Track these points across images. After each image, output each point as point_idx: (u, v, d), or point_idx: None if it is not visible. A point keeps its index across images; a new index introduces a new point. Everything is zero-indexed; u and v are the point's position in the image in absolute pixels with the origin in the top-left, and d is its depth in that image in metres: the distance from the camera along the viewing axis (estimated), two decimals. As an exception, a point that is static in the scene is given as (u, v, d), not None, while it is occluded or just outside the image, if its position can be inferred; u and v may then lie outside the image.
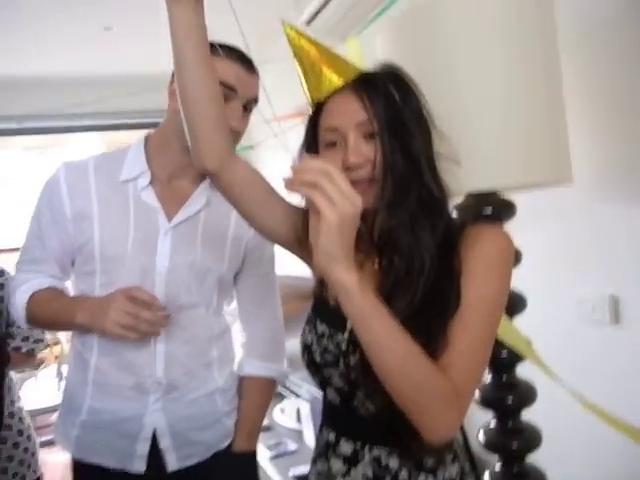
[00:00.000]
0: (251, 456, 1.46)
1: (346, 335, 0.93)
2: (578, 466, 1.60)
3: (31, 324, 1.37)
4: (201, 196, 1.36)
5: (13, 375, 2.07)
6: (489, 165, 1.23)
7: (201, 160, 0.97)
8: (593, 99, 1.50)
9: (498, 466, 1.44)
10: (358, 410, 0.96)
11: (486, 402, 1.43)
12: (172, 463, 1.33)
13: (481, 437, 1.45)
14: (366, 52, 1.77)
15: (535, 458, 1.44)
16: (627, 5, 1.40)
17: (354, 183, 0.86)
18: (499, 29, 1.23)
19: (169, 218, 1.33)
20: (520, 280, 1.41)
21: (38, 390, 3.79)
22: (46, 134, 4.24)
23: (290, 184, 0.77)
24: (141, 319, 1.16)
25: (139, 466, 1.32)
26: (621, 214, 1.47)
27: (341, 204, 0.74)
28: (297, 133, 1.04)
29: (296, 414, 2.66)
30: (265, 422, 2.71)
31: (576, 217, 1.60)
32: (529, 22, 1.25)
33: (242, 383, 1.45)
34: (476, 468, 1.02)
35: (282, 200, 1.03)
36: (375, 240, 0.95)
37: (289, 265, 1.48)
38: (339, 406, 0.99)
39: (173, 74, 1.24)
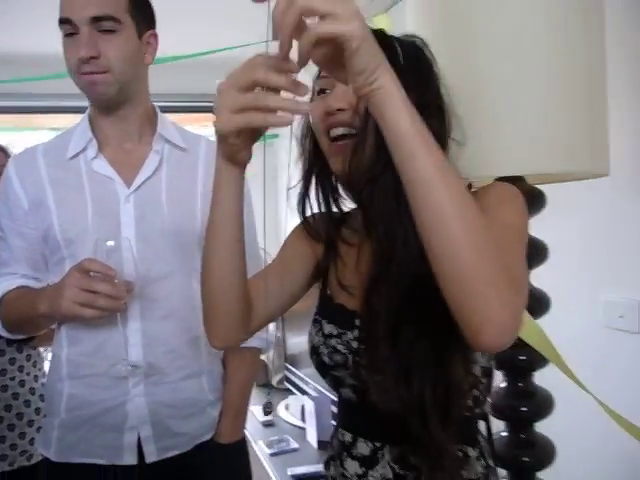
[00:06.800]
0: (239, 445, 1.35)
1: (355, 333, 0.87)
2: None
3: (9, 330, 1.28)
4: (156, 155, 1.26)
5: (41, 351, 2.05)
6: (522, 149, 1.12)
7: (211, 336, 0.92)
8: (636, 91, 1.38)
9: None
10: (376, 407, 0.84)
11: (499, 410, 1.31)
12: (151, 454, 1.23)
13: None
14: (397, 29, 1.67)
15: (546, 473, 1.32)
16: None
17: (336, 140, 0.84)
18: (542, 9, 1.11)
19: (128, 184, 1.24)
20: (545, 279, 1.30)
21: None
22: (75, 113, 4.19)
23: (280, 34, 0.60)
24: (99, 294, 1.06)
25: (129, 458, 1.22)
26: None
27: (343, 9, 0.58)
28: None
29: (300, 411, 2.56)
30: (269, 418, 2.65)
31: (608, 215, 1.47)
32: (577, 4, 1.13)
33: (224, 359, 1.36)
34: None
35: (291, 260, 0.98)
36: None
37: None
38: (356, 404, 0.91)
39: None
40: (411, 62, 0.83)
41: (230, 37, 3.44)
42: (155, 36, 1.27)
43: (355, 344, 0.86)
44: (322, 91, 0.86)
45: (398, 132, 0.62)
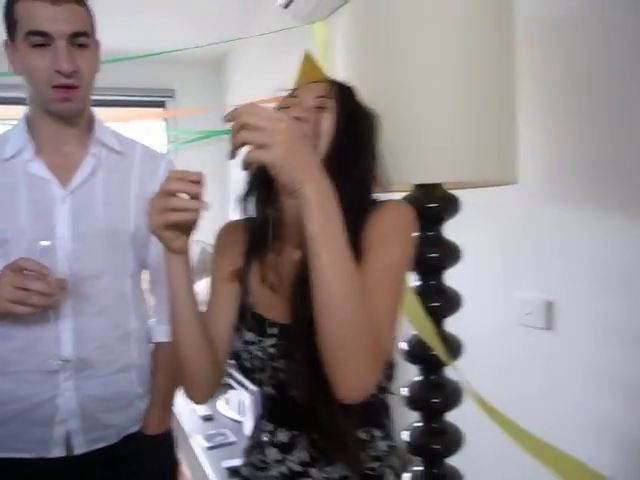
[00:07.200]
0: (165, 437, 1.41)
1: (272, 340, 0.96)
2: (497, 471, 1.58)
3: None
4: (93, 158, 1.31)
5: None
6: (437, 159, 1.21)
7: (192, 397, 1.01)
8: (544, 102, 1.48)
9: (419, 467, 1.41)
10: (294, 400, 0.96)
11: (413, 402, 1.40)
12: (79, 446, 1.27)
13: (405, 437, 1.41)
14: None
15: (455, 460, 1.41)
16: (581, 7, 1.38)
17: None
18: (457, 25, 1.19)
19: (64, 186, 1.27)
20: (458, 278, 1.39)
21: None
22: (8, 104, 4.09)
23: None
24: (32, 292, 1.09)
25: (57, 451, 1.25)
26: (562, 219, 1.45)
27: (271, 141, 0.73)
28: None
29: (239, 406, 2.61)
30: (208, 412, 2.70)
31: (518, 219, 1.58)
32: (488, 19, 1.22)
33: (153, 353, 1.41)
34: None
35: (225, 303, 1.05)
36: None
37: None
38: (276, 398, 1.01)
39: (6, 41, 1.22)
40: (368, 119, 1.02)
41: (180, 35, 3.48)
42: (99, 44, 1.31)
43: (272, 350, 0.96)
44: (286, 108, 0.99)
45: (310, 232, 0.76)
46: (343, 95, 0.99)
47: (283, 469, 0.98)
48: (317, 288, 0.78)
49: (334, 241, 0.77)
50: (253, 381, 1.03)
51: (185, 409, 2.82)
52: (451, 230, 1.39)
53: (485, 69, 1.22)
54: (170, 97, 4.38)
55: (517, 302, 1.57)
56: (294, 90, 1.02)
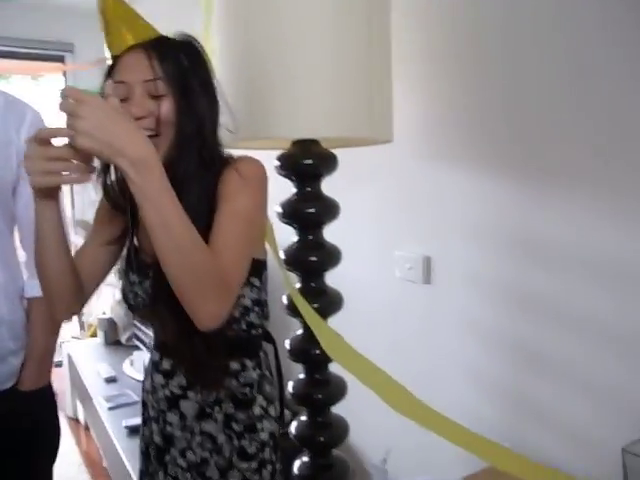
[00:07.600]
0: (43, 392, 1.38)
1: (150, 282, 1.05)
2: (378, 417, 1.66)
3: None
4: None
5: None
6: (311, 115, 1.23)
7: (55, 315, 1.08)
8: (424, 61, 1.52)
9: (304, 416, 1.46)
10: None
11: (296, 355, 1.44)
12: None
13: (290, 389, 1.46)
14: None
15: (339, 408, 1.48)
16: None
17: None
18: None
19: None
20: (339, 235, 1.43)
21: None
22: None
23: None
24: None
25: None
26: (438, 177, 1.51)
27: (76, 126, 0.76)
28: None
29: (143, 366, 2.60)
30: (112, 374, 2.68)
31: (397, 177, 1.63)
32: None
33: (28, 308, 1.38)
34: (281, 377, 1.24)
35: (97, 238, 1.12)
36: None
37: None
38: (158, 332, 1.17)
39: None
40: (192, 59, 1.02)
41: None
42: None
43: (150, 290, 1.06)
44: (122, 99, 0.97)
45: (135, 197, 0.81)
46: (168, 66, 0.98)
47: (167, 392, 1.13)
48: (152, 240, 0.84)
49: (155, 202, 0.81)
50: (140, 317, 1.16)
51: (89, 372, 2.79)
52: (331, 187, 1.41)
53: (358, 24, 1.23)
54: (69, 52, 4.19)
55: (398, 258, 1.63)
56: (115, 65, 1.00)
